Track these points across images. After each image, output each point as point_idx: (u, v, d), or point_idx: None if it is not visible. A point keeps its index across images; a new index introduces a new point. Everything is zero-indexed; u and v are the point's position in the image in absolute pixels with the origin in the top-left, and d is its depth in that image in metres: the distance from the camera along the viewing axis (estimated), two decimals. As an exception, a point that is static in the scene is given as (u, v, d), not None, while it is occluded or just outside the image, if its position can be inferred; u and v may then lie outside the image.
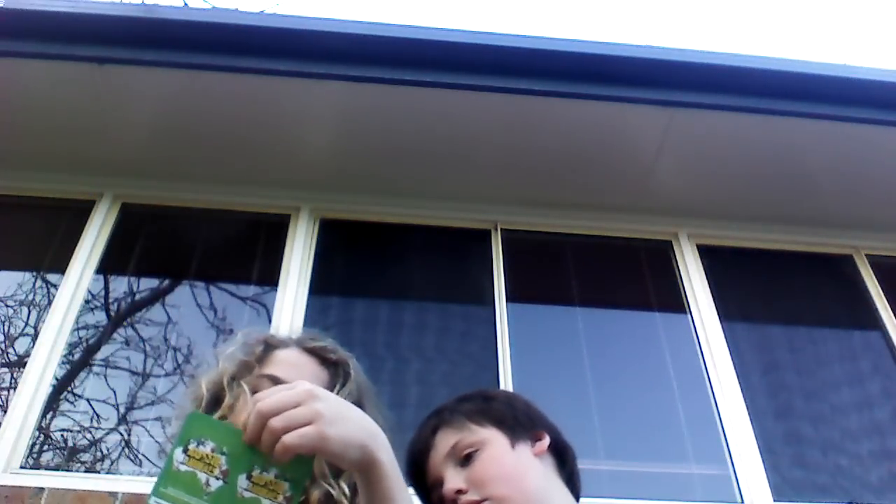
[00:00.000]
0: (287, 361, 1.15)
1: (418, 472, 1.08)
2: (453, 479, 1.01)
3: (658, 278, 3.50)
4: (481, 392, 1.16)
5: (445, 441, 1.05)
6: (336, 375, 1.15)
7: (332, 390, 1.07)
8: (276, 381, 1.07)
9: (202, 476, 0.70)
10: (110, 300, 3.23)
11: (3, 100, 3.15)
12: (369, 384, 1.20)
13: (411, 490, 1.03)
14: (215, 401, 1.11)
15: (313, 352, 1.18)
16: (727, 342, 3.18)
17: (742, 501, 2.75)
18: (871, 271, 3.57)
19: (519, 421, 1.08)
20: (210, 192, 3.46)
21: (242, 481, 0.71)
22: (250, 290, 3.30)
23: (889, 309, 3.42)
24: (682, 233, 3.58)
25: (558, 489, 1.06)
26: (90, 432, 2.83)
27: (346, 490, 1.02)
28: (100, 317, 3.15)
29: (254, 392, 1.07)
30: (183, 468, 0.70)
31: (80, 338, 3.04)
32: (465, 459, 1.03)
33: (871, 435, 3.11)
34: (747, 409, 2.98)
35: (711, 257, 3.52)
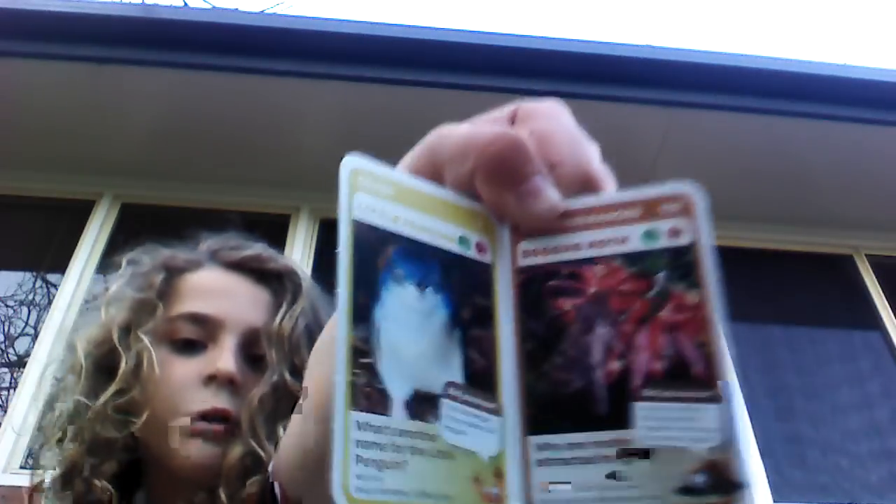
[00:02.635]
0: (207, 287, 0.78)
1: None
2: None
3: (658, 278, 3.50)
4: None
5: None
6: (281, 292, 0.80)
7: (276, 313, 0.77)
8: (199, 320, 0.75)
9: None
10: (110, 300, 3.23)
11: (3, 100, 3.15)
12: (326, 298, 0.84)
13: None
14: (107, 371, 0.74)
15: (242, 266, 0.81)
16: (727, 342, 3.17)
17: (742, 501, 2.75)
18: (871, 271, 3.57)
19: None
20: (210, 192, 3.46)
21: None
22: (250, 290, 3.30)
23: (889, 309, 3.42)
24: (682, 233, 3.57)
25: None
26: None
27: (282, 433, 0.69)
28: (100, 317, 3.16)
29: (168, 339, 0.75)
30: None
31: (80, 338, 3.04)
32: None
33: (871, 435, 3.11)
34: (747, 409, 2.98)
35: (711, 257, 3.52)
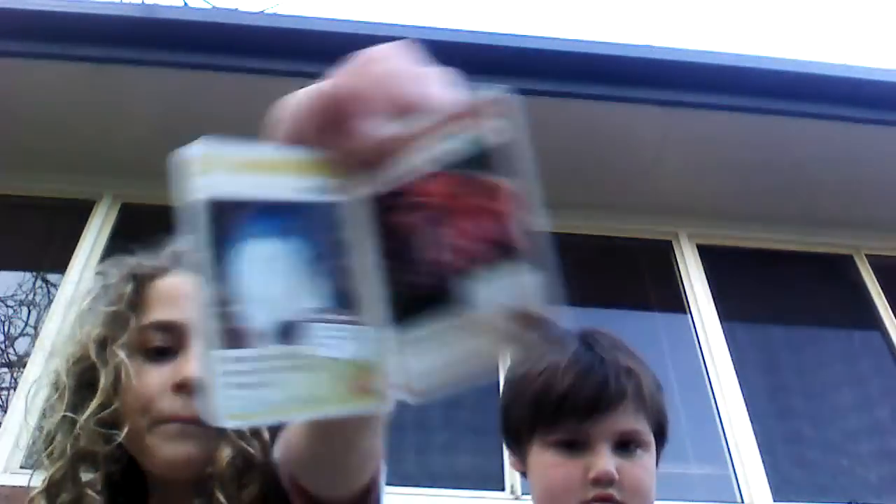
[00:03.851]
0: (173, 293, 0.79)
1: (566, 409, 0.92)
2: (610, 462, 0.90)
3: (658, 278, 3.50)
4: (651, 370, 1.00)
5: (621, 421, 0.93)
6: None
7: None
8: (167, 328, 0.76)
9: None
10: (110, 300, 3.23)
11: (3, 100, 3.15)
12: None
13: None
14: (88, 386, 0.76)
15: None
16: (727, 342, 3.17)
17: (742, 501, 2.75)
18: (871, 271, 3.57)
19: (665, 435, 1.00)
20: (210, 192, 3.46)
21: None
22: (250, 290, 3.30)
23: (889, 309, 3.42)
24: (682, 233, 3.57)
25: None
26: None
27: (266, 435, 0.74)
28: (100, 317, 3.15)
29: (141, 349, 0.76)
30: None
31: (80, 338, 3.04)
32: (623, 449, 0.93)
33: (871, 435, 3.11)
34: (747, 409, 2.98)
35: (711, 257, 3.52)
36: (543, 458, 0.95)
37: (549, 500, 0.95)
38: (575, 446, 0.93)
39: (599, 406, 0.92)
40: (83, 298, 0.83)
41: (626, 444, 0.93)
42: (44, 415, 0.80)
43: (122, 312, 0.79)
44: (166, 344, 0.76)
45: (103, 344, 0.77)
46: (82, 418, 0.74)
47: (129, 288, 0.81)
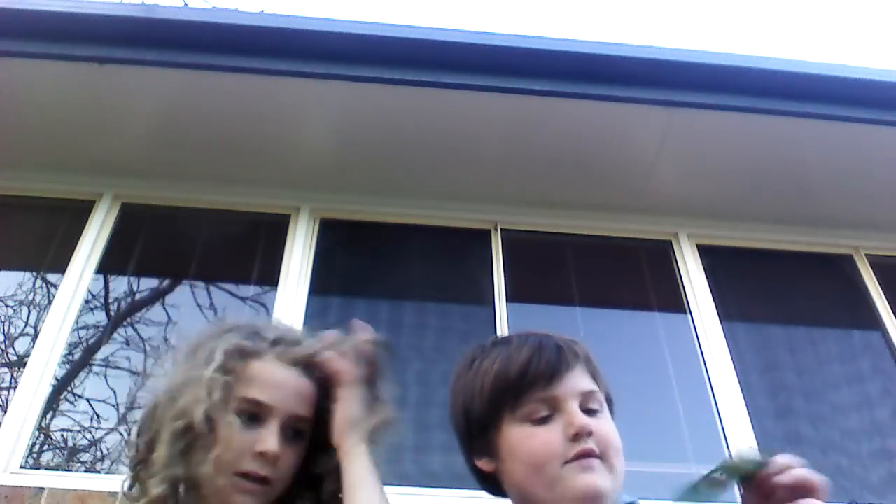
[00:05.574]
0: (265, 379, 1.00)
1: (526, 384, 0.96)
2: (584, 418, 0.94)
3: (658, 278, 3.50)
4: (585, 346, 1.06)
5: (582, 382, 0.98)
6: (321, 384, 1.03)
7: (320, 404, 1.01)
8: (255, 404, 0.98)
9: None
10: (110, 300, 3.23)
11: (3, 100, 3.15)
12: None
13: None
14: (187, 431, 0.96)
15: (296, 362, 1.02)
16: (727, 342, 3.17)
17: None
18: (871, 271, 3.56)
19: (613, 405, 1.04)
20: (210, 192, 3.46)
21: None
22: (250, 290, 3.30)
23: (889, 309, 3.42)
24: (682, 233, 3.57)
25: None
26: (90, 432, 2.83)
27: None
28: (100, 317, 3.15)
29: (240, 414, 0.97)
30: None
31: (80, 338, 3.04)
32: (587, 410, 0.96)
33: (871, 435, 3.11)
34: (747, 409, 2.98)
35: (711, 257, 3.52)
36: (517, 433, 0.96)
37: (533, 472, 0.95)
38: (545, 416, 0.96)
39: (561, 367, 0.97)
40: (193, 357, 1.02)
41: (588, 404, 0.97)
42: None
43: (230, 383, 0.98)
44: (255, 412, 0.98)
45: (212, 411, 0.96)
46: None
47: (236, 363, 0.99)
